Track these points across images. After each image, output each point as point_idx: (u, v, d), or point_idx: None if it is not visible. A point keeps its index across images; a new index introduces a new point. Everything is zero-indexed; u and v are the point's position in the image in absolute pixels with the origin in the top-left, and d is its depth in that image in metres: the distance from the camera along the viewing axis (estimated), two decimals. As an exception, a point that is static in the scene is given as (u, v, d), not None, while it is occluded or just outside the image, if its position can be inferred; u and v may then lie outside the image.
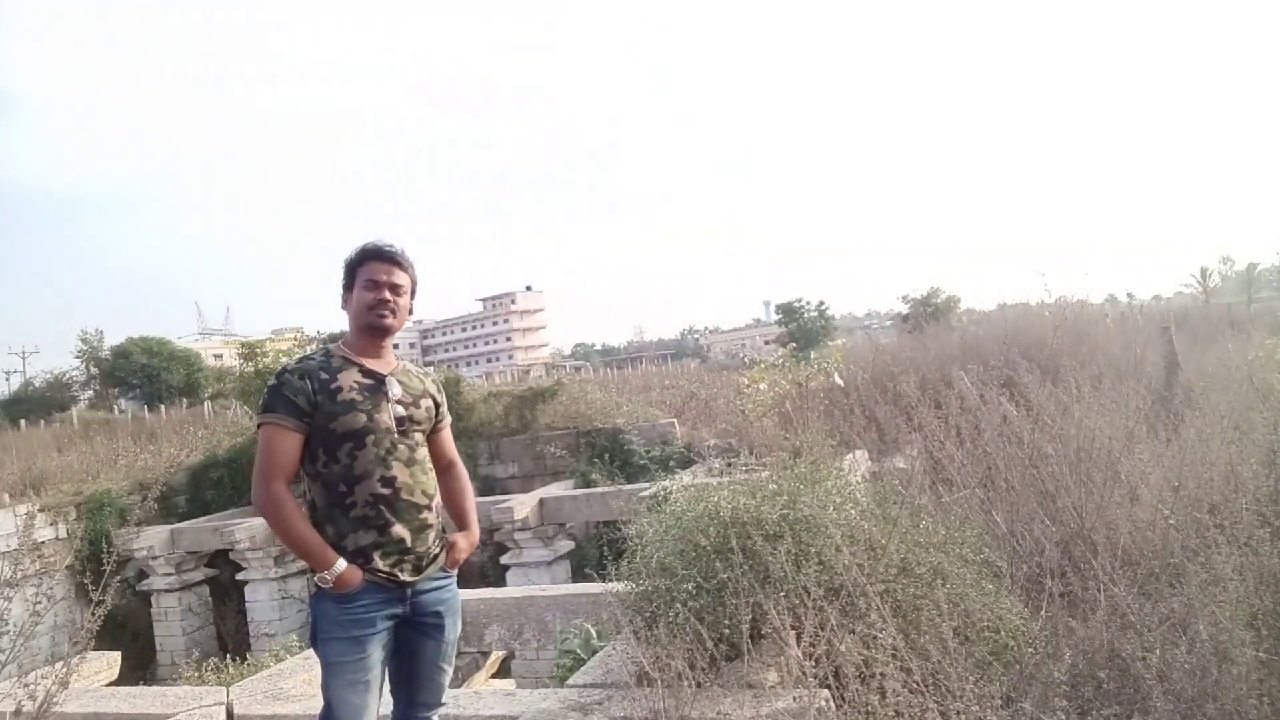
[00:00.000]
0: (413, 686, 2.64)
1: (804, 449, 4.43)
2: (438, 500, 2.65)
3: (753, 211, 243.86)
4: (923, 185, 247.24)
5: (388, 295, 2.59)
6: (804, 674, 2.82)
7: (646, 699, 2.93)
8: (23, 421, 23.09)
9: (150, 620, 12.16)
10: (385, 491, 2.48)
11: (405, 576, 2.50)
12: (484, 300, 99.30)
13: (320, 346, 2.90)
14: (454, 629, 2.67)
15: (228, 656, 8.26)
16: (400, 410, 2.57)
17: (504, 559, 11.13)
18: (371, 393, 2.54)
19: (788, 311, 46.33)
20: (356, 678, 2.43)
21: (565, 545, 11.17)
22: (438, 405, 2.73)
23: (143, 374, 31.72)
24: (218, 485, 13.96)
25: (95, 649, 5.05)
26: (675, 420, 13.58)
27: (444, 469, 2.78)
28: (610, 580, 3.79)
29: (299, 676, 4.30)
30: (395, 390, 2.59)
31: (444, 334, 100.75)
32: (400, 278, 2.63)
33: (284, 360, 14.12)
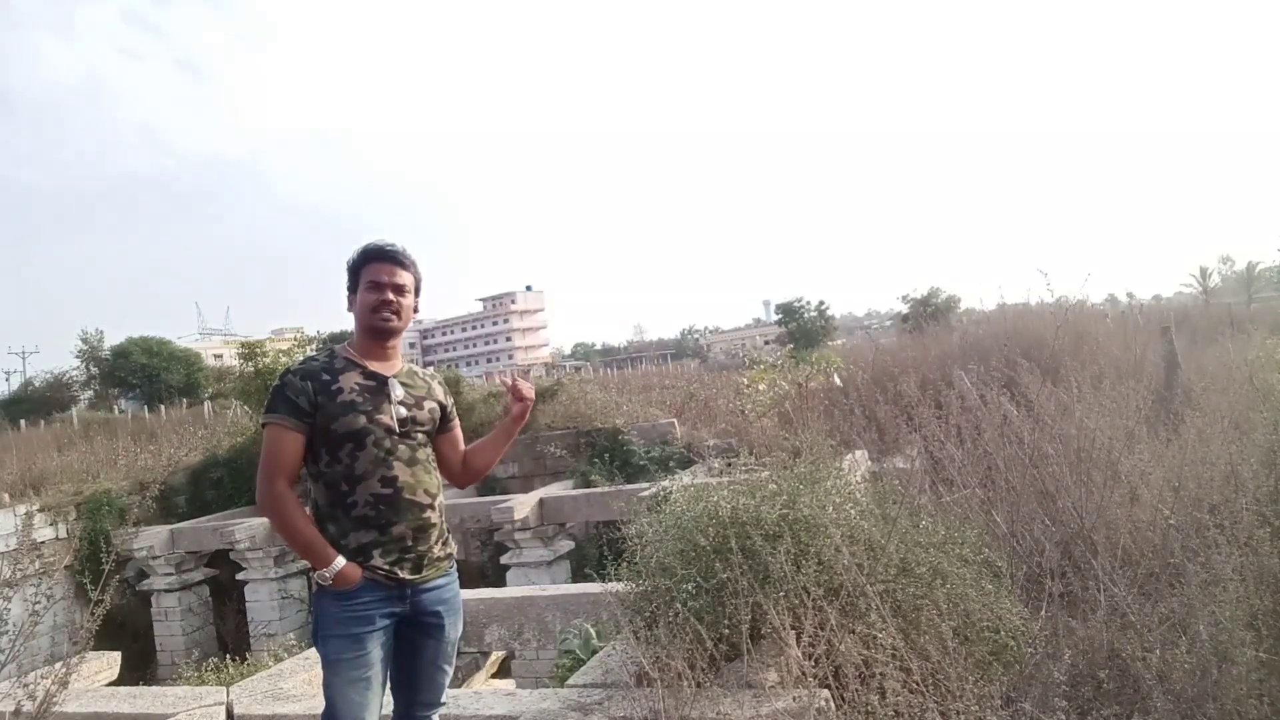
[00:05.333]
0: (413, 686, 2.64)
1: (804, 449, 4.43)
2: (440, 500, 2.65)
3: (753, 211, 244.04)
4: (923, 185, 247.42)
5: (391, 296, 2.59)
6: (804, 674, 2.82)
7: (646, 699, 2.93)
8: (23, 421, 23.10)
9: (150, 620, 12.15)
10: (386, 491, 2.49)
11: (405, 575, 2.50)
12: (484, 300, 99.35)
13: (324, 347, 2.92)
14: (455, 629, 2.67)
15: (228, 656, 8.24)
16: (402, 411, 2.57)
17: (504, 559, 11.14)
18: (373, 394, 2.55)
19: (788, 311, 46.39)
20: (356, 675, 2.44)
21: (565, 545, 11.18)
22: (443, 407, 2.73)
23: (143, 374, 31.74)
24: (218, 485, 13.96)
25: (95, 649, 5.04)
26: (675, 420, 13.58)
27: (461, 460, 2.81)
28: (610, 580, 3.79)
29: (299, 676, 4.30)
30: (398, 392, 2.59)
31: (444, 334, 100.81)
32: (403, 277, 2.63)
33: (284, 360, 14.05)
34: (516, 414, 2.74)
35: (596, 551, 10.10)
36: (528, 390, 2.73)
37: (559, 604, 5.53)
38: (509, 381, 2.74)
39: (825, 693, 2.81)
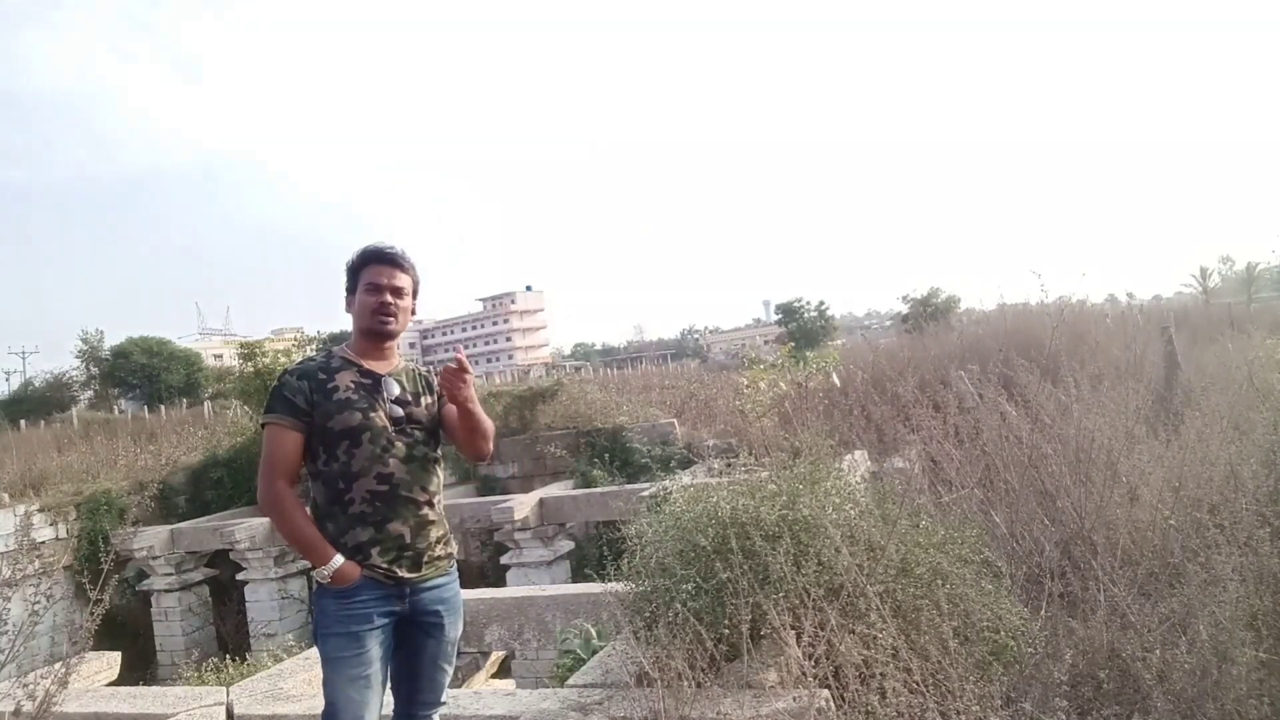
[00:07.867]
0: (413, 685, 2.65)
1: (803, 449, 4.43)
2: (440, 499, 2.66)
3: (753, 211, 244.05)
4: (923, 186, 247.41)
5: (389, 299, 2.60)
6: (804, 674, 2.82)
7: (646, 699, 2.93)
8: (23, 421, 23.11)
9: (150, 620, 12.15)
10: (382, 488, 2.50)
11: (403, 573, 2.51)
12: (484, 300, 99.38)
13: (322, 348, 2.92)
14: (455, 628, 2.67)
15: (228, 656, 8.24)
16: (398, 410, 2.58)
17: (504, 559, 11.14)
18: (368, 391, 2.56)
19: (788, 311, 46.53)
20: (355, 673, 2.44)
21: (565, 545, 11.18)
22: (441, 403, 2.73)
23: (143, 374, 31.78)
24: (218, 485, 13.94)
25: (95, 649, 5.04)
26: (675, 420, 13.58)
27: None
28: (610, 580, 3.79)
29: (299, 676, 4.30)
30: (393, 389, 2.60)
31: (444, 334, 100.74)
32: (401, 280, 2.64)
33: (283, 361, 14.05)
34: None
35: (596, 551, 10.10)
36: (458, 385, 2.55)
37: (559, 604, 5.53)
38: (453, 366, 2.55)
39: (825, 693, 2.81)
